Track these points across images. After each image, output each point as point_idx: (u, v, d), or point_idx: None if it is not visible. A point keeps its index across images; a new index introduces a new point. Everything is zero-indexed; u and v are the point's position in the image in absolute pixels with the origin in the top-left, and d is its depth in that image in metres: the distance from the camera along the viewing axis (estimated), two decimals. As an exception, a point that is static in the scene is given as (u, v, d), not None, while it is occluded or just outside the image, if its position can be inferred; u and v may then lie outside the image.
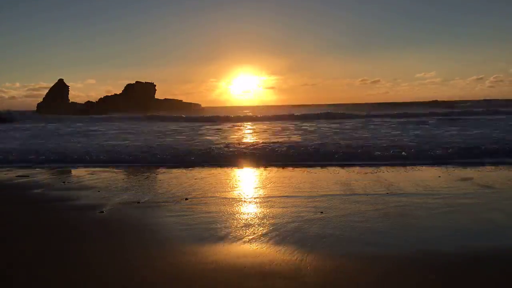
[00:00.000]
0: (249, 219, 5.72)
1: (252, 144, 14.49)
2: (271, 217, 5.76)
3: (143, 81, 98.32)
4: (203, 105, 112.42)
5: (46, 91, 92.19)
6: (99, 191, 7.81)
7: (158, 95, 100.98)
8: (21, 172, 10.32)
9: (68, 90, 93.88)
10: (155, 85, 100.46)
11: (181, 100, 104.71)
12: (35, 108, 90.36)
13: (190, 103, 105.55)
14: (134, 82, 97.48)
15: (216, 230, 5.21)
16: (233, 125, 28.86)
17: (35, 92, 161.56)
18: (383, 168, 9.78)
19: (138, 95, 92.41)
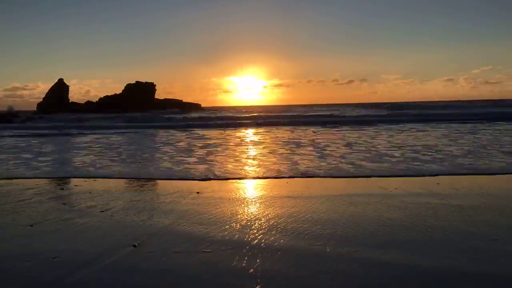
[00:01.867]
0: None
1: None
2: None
3: (143, 81, 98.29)
4: (203, 105, 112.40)
5: (23, 91, 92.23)
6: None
7: (158, 95, 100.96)
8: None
9: (68, 90, 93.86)
10: (155, 85, 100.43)
11: (181, 100, 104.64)
12: (35, 108, 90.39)
13: (190, 103, 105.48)
14: (134, 82, 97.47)
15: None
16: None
17: (13, 93, 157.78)
18: None
19: (138, 95, 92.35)
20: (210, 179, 9.01)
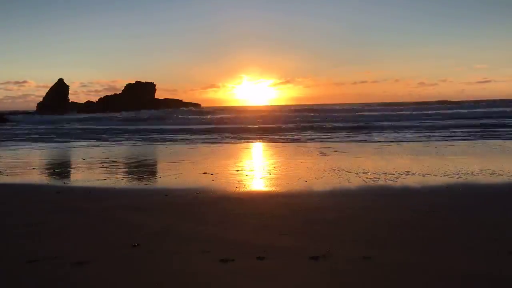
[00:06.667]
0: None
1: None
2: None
3: (143, 81, 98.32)
4: (203, 105, 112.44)
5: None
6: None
7: (158, 94, 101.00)
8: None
9: (68, 90, 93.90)
10: (155, 85, 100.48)
11: (181, 100, 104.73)
12: (35, 108, 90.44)
13: (190, 103, 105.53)
14: (134, 82, 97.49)
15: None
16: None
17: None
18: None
19: (138, 95, 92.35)
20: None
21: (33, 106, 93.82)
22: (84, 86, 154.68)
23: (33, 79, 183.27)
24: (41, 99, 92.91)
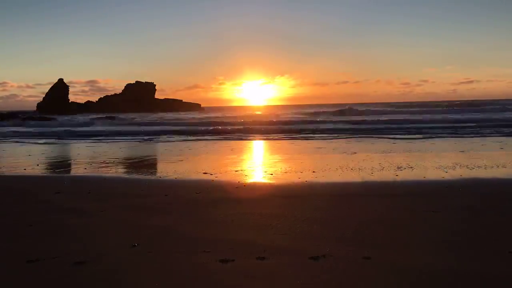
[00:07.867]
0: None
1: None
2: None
3: (143, 81, 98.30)
4: (203, 105, 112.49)
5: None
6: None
7: (158, 94, 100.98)
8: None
9: (68, 90, 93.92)
10: (155, 85, 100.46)
11: (181, 100, 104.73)
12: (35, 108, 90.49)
13: (190, 103, 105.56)
14: (134, 81, 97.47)
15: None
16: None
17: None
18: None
19: (138, 95, 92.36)
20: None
21: (26, 106, 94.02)
22: (84, 86, 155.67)
23: (12, 80, 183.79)
24: (32, 98, 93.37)
